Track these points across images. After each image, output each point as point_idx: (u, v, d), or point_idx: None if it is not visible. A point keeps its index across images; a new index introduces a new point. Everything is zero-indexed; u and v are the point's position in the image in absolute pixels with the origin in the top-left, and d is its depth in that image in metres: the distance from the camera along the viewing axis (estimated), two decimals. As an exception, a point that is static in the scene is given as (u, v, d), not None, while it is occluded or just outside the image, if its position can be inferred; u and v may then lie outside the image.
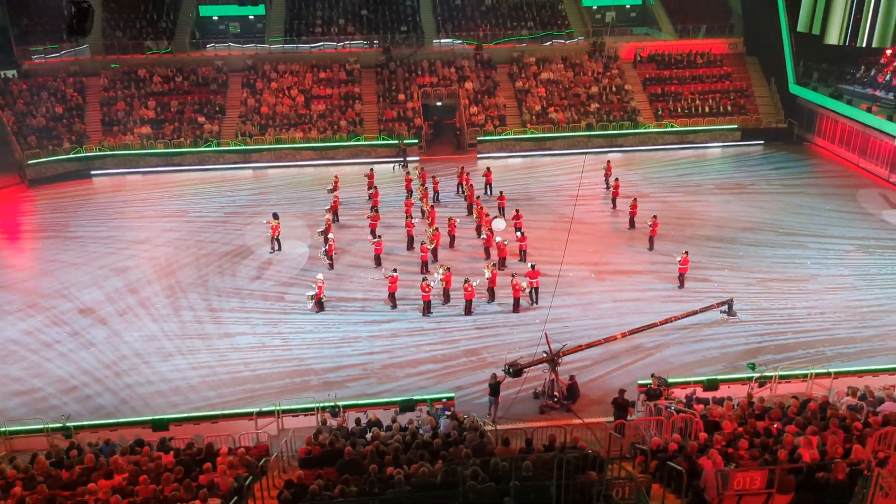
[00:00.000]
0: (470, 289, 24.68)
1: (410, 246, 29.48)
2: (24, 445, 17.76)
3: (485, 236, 28.91)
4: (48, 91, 42.41)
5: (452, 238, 29.60)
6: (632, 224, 31.19)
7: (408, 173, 36.09)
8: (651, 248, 29.21)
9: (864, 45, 42.01)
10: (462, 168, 35.86)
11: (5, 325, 24.66)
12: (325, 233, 28.61)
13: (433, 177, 35.18)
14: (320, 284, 24.99)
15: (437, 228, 28.71)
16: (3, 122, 40.11)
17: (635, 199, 31.60)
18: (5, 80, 42.39)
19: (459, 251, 29.57)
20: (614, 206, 33.42)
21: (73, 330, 24.29)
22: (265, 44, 46.71)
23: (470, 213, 32.22)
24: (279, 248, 29.69)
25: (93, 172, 40.05)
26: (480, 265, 27.12)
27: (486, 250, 28.57)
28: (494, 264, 26.55)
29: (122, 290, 26.88)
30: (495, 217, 30.48)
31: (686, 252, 26.31)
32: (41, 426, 18.05)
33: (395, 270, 25.31)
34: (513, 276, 25.13)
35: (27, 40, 43.83)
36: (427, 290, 24.65)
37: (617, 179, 34.18)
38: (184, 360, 22.47)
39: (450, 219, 29.98)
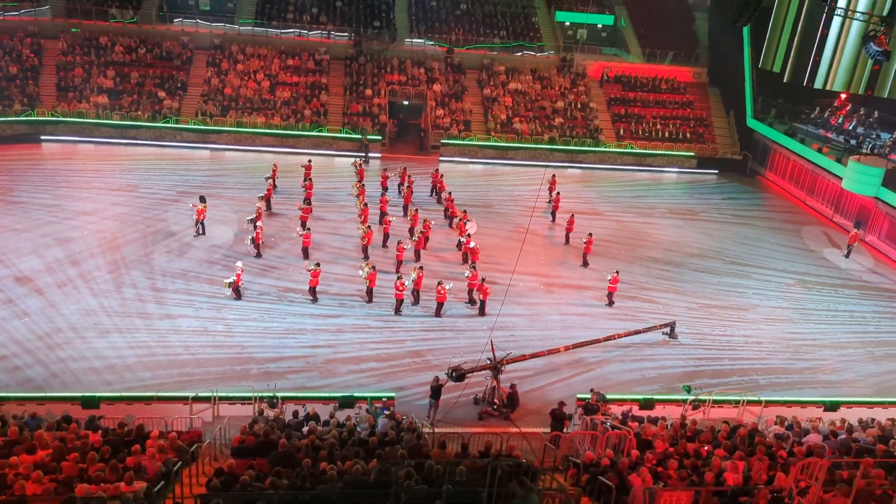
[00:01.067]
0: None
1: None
2: (-56, 413, 17.13)
3: (416, 238, 28.93)
4: (3, 49, 40.96)
5: (427, 239, 29.55)
6: (567, 240, 31.51)
7: (361, 168, 35.62)
8: (584, 264, 29.51)
9: (820, 87, 43.50)
10: (405, 168, 35.65)
11: (-64, 286, 23.77)
12: (254, 220, 28.16)
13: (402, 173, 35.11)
14: (238, 272, 24.57)
15: (369, 226, 28.55)
16: (-47, 76, 38.67)
17: (572, 216, 31.90)
18: (-42, 34, 40.89)
19: (433, 253, 29.53)
20: (553, 220, 33.76)
21: (6, 297, 23.51)
22: (234, 24, 45.97)
23: (405, 213, 32.07)
24: (203, 233, 29.07)
25: (43, 137, 38.78)
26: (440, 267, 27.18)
27: (465, 255, 28.56)
28: (474, 265, 26.54)
29: (63, 260, 26.13)
30: (468, 220, 30.58)
31: (617, 272, 26.68)
32: (-35, 394, 17.45)
33: (318, 265, 25.13)
34: (439, 282, 25.13)
35: (-15, -5, 42.39)
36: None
37: (558, 194, 34.52)
38: (121, 339, 21.95)
39: (425, 220, 29.97)
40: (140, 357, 21.15)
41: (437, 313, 24.91)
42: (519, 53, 47.87)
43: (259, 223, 28.10)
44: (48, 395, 18.33)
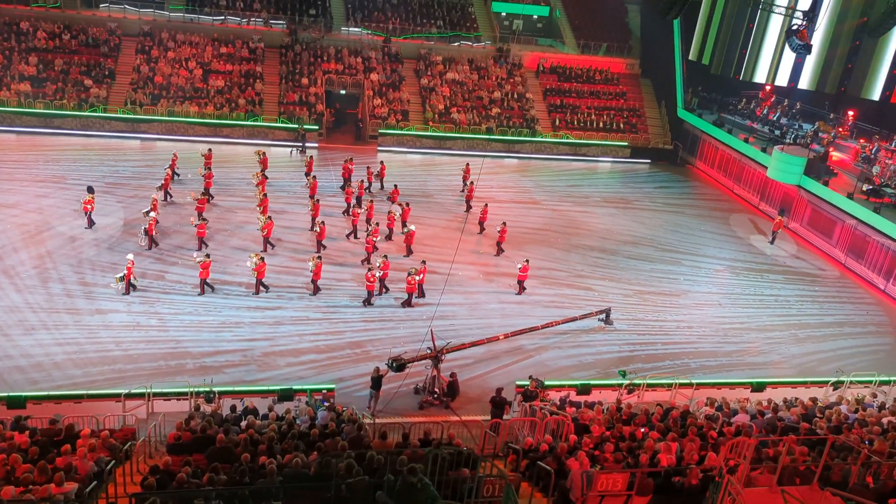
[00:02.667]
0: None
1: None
2: None
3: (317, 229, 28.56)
4: (-86, 33, 38.88)
5: (391, 231, 29.80)
6: (481, 228, 31.52)
7: (264, 157, 34.58)
8: (498, 253, 29.66)
9: (747, 79, 44.99)
10: (349, 161, 35.21)
11: None
12: (149, 211, 27.43)
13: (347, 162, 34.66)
14: (129, 266, 23.88)
15: (269, 217, 28.12)
16: None
17: (486, 205, 31.98)
18: None
19: (393, 243, 29.52)
20: (468, 209, 33.40)
21: (-77, 295, 22.44)
22: (164, 10, 44.61)
23: (359, 204, 31.68)
24: (92, 224, 28.09)
25: (-40, 127, 37.03)
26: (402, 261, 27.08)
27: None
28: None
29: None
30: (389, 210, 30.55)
31: (527, 260, 26.86)
32: None
33: (207, 256, 24.74)
34: (408, 273, 25.14)
35: None
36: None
37: (472, 183, 34.56)
38: (48, 335, 21.18)
39: (389, 212, 30.07)
40: (69, 354, 20.46)
41: (407, 303, 25.08)
42: (456, 44, 47.93)
43: (153, 214, 27.32)
44: (-30, 395, 17.56)
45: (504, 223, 29.75)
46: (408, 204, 30.74)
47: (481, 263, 28.72)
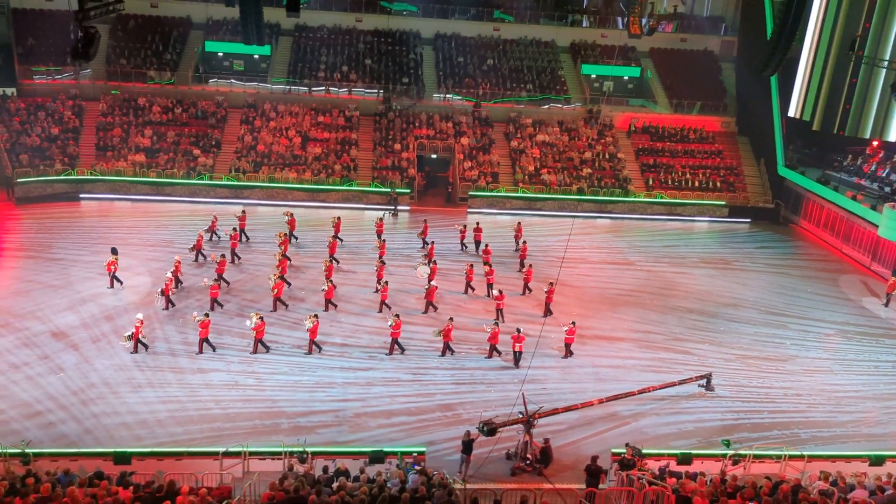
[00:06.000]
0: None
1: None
2: (-21, 469, 17.25)
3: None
4: (46, 111, 42.49)
5: (468, 284, 30.47)
6: (525, 289, 30.91)
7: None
8: (545, 314, 28.72)
9: (852, 134, 43.15)
10: (464, 226, 35.89)
11: (-25, 342, 24.21)
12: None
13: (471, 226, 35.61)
14: (137, 325, 24.31)
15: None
16: (-2, 138, 40.13)
17: (530, 266, 31.47)
18: (3, 97, 42.47)
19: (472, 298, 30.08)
20: (521, 268, 32.75)
21: (43, 353, 23.85)
22: (267, 83, 47.25)
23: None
24: (119, 284, 28.99)
25: (81, 196, 39.86)
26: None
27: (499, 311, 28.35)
28: (496, 322, 26.34)
29: (97, 316, 26.52)
30: (420, 265, 30.97)
31: (574, 322, 26.02)
32: (-1, 450, 17.57)
33: (206, 315, 24.93)
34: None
35: (30, 60, 44.07)
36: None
37: (525, 242, 34.23)
38: (153, 393, 22.05)
39: (470, 265, 30.74)
40: (171, 412, 21.19)
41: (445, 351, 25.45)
42: (546, 106, 48.40)
43: (168, 274, 28.11)
44: (81, 450, 18.37)
45: (551, 283, 28.97)
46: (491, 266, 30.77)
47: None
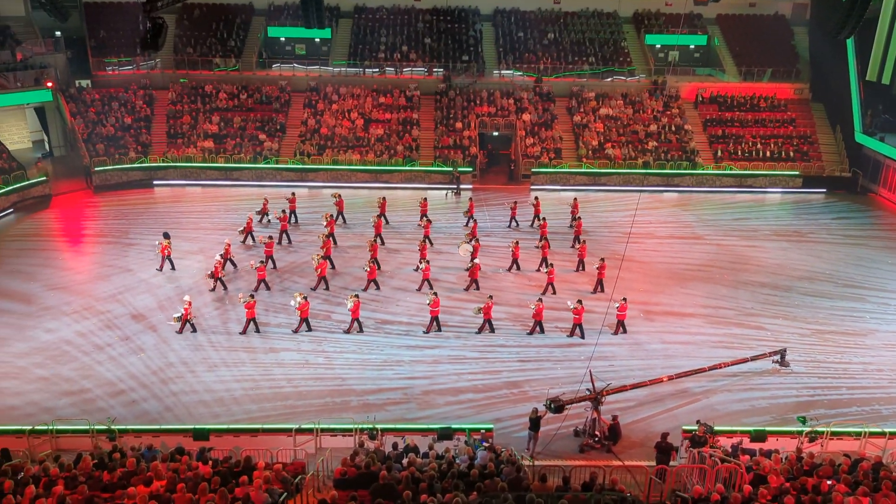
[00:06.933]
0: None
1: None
2: (69, 445, 18.19)
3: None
4: (119, 102, 44.00)
5: (515, 261, 30.16)
6: (580, 266, 30.32)
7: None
8: (595, 291, 28.31)
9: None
10: (515, 203, 35.74)
11: (61, 325, 25.42)
12: (224, 256, 28.98)
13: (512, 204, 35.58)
14: (186, 307, 24.86)
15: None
16: (75, 129, 41.75)
17: (584, 242, 30.97)
18: (79, 89, 44.16)
19: (521, 275, 29.83)
20: (574, 244, 32.46)
21: (124, 334, 24.89)
22: (329, 66, 47.71)
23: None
24: (172, 268, 29.70)
25: (155, 182, 41.24)
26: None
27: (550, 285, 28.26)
28: (540, 298, 26.24)
29: (173, 298, 27.45)
30: (462, 243, 30.64)
31: (624, 299, 25.37)
32: (87, 427, 18.46)
33: (252, 296, 25.40)
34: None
35: (103, 52, 45.66)
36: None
37: (580, 218, 33.77)
38: (228, 372, 22.78)
39: (516, 242, 30.43)
40: (246, 390, 21.86)
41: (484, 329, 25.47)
42: (609, 79, 47.43)
43: (217, 256, 28.66)
44: (162, 427, 19.15)
45: (603, 259, 28.54)
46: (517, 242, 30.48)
47: (641, 302, 27.73)
